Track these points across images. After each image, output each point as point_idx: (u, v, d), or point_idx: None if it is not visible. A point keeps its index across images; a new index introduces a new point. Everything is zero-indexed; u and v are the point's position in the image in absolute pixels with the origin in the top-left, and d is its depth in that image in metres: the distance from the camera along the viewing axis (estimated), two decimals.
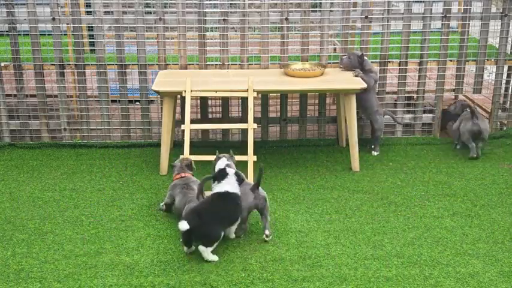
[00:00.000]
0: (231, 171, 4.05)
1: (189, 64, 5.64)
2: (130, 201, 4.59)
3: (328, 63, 5.68)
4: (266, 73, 5.41)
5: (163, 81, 5.13)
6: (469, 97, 7.08)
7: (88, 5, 5.69)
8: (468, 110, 5.55)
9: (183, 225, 3.65)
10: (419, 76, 5.83)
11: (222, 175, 4.02)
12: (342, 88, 5.08)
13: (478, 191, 4.79)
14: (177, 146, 5.61)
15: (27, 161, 5.36)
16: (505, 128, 6.03)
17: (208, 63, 5.65)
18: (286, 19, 5.54)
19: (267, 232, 3.98)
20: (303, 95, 5.77)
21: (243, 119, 5.67)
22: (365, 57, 5.39)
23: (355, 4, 6.02)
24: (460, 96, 6.51)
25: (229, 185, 3.97)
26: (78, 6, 5.45)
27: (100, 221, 4.29)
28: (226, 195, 3.92)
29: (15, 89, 5.69)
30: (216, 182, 4.03)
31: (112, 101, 5.83)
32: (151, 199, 4.62)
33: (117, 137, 5.80)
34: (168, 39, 5.95)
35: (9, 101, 5.96)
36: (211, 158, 4.47)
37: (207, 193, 4.14)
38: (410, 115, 5.90)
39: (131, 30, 5.88)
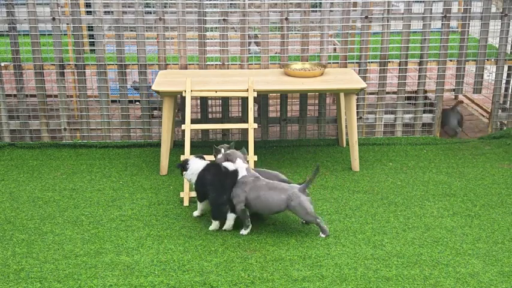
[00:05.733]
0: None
1: (189, 64, 5.64)
2: (130, 201, 4.60)
3: (328, 63, 5.68)
4: (266, 73, 5.41)
5: (163, 81, 5.13)
6: (469, 97, 7.10)
7: (88, 5, 5.69)
8: None
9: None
10: (419, 76, 5.83)
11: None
12: (342, 88, 5.08)
13: (478, 191, 4.79)
14: (177, 146, 5.62)
15: (27, 161, 5.36)
16: (505, 128, 6.03)
17: (208, 63, 5.65)
18: (286, 19, 5.54)
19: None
20: (303, 95, 5.77)
21: (243, 119, 5.68)
22: None
23: (355, 4, 6.02)
24: None
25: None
26: (78, 6, 5.45)
27: (100, 221, 4.29)
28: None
29: (15, 89, 5.69)
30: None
31: (112, 101, 5.83)
32: (151, 199, 4.62)
33: (117, 137, 5.80)
34: (168, 39, 5.95)
35: (9, 101, 5.97)
36: (211, 158, 4.48)
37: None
38: (410, 115, 5.91)
39: (131, 30, 5.88)
